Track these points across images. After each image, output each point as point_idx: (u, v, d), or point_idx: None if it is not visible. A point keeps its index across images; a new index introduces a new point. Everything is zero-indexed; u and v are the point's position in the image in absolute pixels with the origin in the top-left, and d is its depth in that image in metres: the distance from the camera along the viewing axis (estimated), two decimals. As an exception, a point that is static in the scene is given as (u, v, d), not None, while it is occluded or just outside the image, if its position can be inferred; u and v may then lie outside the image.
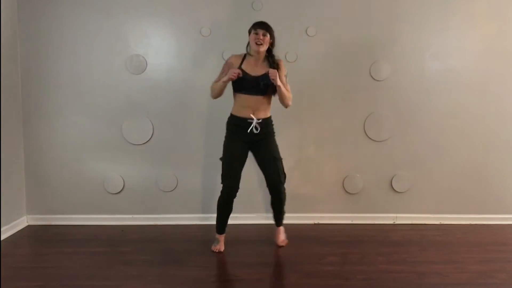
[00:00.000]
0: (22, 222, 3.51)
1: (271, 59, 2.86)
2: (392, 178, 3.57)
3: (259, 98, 2.82)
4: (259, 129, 2.83)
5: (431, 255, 2.90)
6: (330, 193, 3.59)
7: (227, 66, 2.87)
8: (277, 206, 3.00)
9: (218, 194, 3.57)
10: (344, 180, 3.56)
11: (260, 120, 2.83)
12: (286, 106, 2.87)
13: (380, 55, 3.47)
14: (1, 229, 3.17)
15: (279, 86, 2.75)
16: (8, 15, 3.31)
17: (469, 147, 3.55)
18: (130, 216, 3.57)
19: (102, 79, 3.47)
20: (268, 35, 2.79)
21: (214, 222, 3.54)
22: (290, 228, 3.42)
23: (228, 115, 2.86)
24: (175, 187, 3.57)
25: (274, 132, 2.95)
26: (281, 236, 3.10)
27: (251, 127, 2.82)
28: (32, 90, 3.47)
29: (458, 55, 3.49)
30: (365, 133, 3.54)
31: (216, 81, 2.86)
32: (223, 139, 3.51)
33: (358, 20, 3.44)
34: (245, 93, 2.82)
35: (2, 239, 3.17)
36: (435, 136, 3.54)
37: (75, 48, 3.44)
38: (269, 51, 2.87)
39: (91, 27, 3.43)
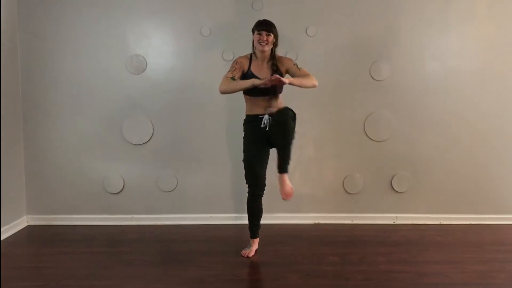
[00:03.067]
0: (22, 222, 3.51)
1: (272, 60, 2.80)
2: (392, 178, 3.57)
3: (269, 97, 2.77)
4: (271, 120, 2.73)
5: (431, 255, 2.90)
6: (330, 193, 3.59)
7: (238, 65, 2.76)
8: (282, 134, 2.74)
9: (218, 194, 3.60)
10: (344, 180, 3.56)
11: (273, 112, 2.73)
12: (312, 87, 2.75)
13: (380, 55, 3.47)
14: (1, 229, 3.17)
15: (291, 83, 2.65)
16: (8, 15, 3.31)
17: (469, 147, 3.55)
18: (130, 216, 3.57)
19: (102, 79, 3.47)
20: (272, 35, 2.75)
21: (214, 222, 3.59)
22: (290, 228, 3.43)
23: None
24: (175, 187, 3.57)
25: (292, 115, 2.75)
26: (286, 186, 2.83)
27: (263, 123, 2.73)
28: (32, 90, 3.48)
29: (458, 55, 3.49)
30: (365, 133, 3.54)
31: (228, 77, 2.70)
32: (223, 139, 3.53)
33: (358, 20, 3.45)
34: (256, 96, 2.75)
35: (2, 239, 3.17)
36: (435, 136, 3.54)
37: (75, 48, 3.45)
38: (272, 50, 2.79)
39: (91, 27, 3.43)
